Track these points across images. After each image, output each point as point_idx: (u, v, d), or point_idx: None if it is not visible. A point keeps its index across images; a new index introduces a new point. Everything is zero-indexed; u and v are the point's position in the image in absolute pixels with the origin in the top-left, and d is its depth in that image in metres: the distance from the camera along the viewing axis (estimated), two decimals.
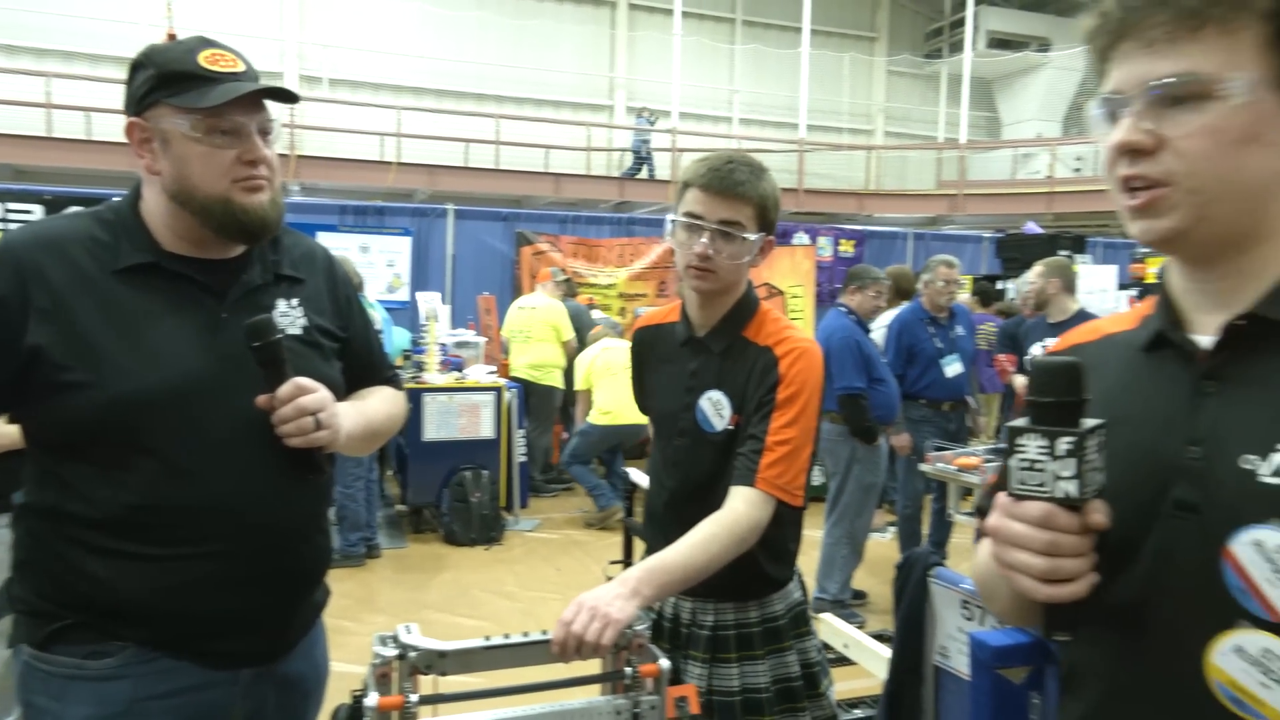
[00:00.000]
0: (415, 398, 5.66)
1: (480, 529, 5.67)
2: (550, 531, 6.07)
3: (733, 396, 1.63)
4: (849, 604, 4.49)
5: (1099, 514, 0.76)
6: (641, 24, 17.34)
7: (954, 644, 2.00)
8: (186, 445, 1.27)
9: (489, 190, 12.97)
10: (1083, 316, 4.62)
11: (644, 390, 1.89)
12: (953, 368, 4.84)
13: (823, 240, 10.60)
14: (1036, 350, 4.62)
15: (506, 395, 6.00)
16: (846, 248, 10.99)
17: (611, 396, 5.96)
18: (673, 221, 1.65)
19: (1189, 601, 0.77)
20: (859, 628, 4.08)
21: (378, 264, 8.57)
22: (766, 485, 1.54)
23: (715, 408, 1.65)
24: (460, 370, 6.16)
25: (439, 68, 15.90)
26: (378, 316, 5.14)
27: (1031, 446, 0.75)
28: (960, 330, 4.96)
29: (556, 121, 15.47)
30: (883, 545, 5.56)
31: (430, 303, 7.19)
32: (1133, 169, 0.76)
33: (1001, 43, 18.25)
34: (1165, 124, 0.74)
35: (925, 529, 4.99)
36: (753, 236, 1.59)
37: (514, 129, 14.56)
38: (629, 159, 15.45)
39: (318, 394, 1.28)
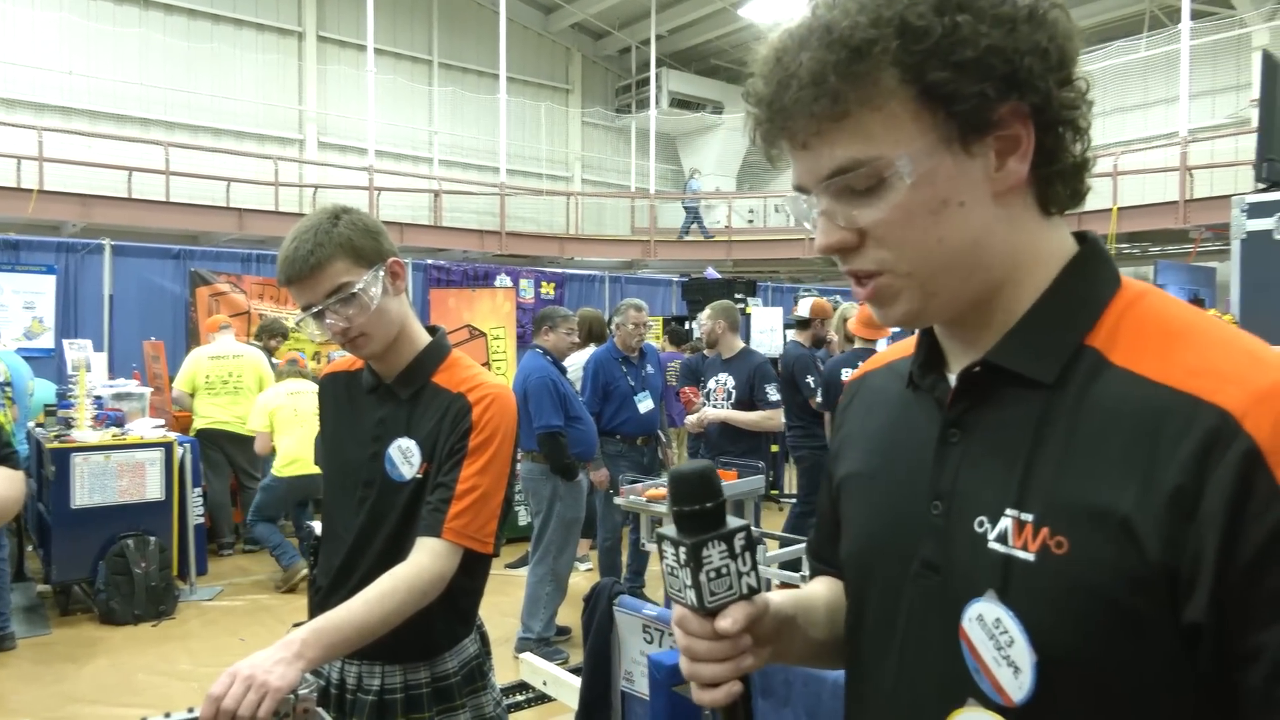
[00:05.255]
0: (61, 459, 4.94)
1: (147, 603, 5.02)
2: (234, 598, 5.53)
3: (423, 444, 1.59)
4: (553, 641, 4.55)
5: (726, 620, 0.74)
6: (332, 57, 16.70)
7: (637, 668, 2.10)
8: None
9: (158, 225, 11.71)
10: (747, 352, 5.17)
11: (327, 439, 1.79)
12: (645, 404, 5.13)
13: (524, 282, 10.80)
14: (713, 383, 5.04)
15: (179, 451, 5.40)
16: (548, 290, 11.29)
17: (296, 445, 5.62)
18: (299, 322, 1.62)
19: (933, 672, 0.73)
20: (563, 663, 4.15)
21: (12, 306, 7.42)
22: (453, 535, 1.51)
23: (405, 456, 1.60)
24: (120, 425, 5.45)
25: (94, 87, 14.15)
26: (3, 368, 4.41)
27: (669, 554, 0.77)
28: (650, 369, 5.28)
29: (239, 153, 14.37)
30: (589, 578, 5.71)
31: (80, 350, 6.31)
32: (848, 266, 0.72)
33: (682, 103, 19.89)
34: (857, 214, 0.69)
35: (625, 559, 5.20)
36: (363, 283, 1.53)
37: (188, 158, 13.31)
38: (323, 195, 14.75)
39: None
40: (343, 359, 1.84)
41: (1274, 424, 0.58)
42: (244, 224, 12.49)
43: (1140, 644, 0.61)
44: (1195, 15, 12.79)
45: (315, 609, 1.65)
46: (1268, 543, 0.57)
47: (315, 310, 1.54)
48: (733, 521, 0.76)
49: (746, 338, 8.39)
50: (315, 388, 5.80)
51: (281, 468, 5.65)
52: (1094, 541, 0.63)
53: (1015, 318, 0.72)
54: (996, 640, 0.67)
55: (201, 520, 5.78)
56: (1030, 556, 0.66)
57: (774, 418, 4.96)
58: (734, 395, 4.94)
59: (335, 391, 1.78)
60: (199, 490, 5.74)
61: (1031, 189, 0.71)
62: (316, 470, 5.45)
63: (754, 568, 0.76)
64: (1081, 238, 0.75)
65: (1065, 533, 0.64)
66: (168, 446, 5.29)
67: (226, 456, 6.39)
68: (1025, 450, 0.68)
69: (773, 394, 4.91)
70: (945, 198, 0.68)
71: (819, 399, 5.31)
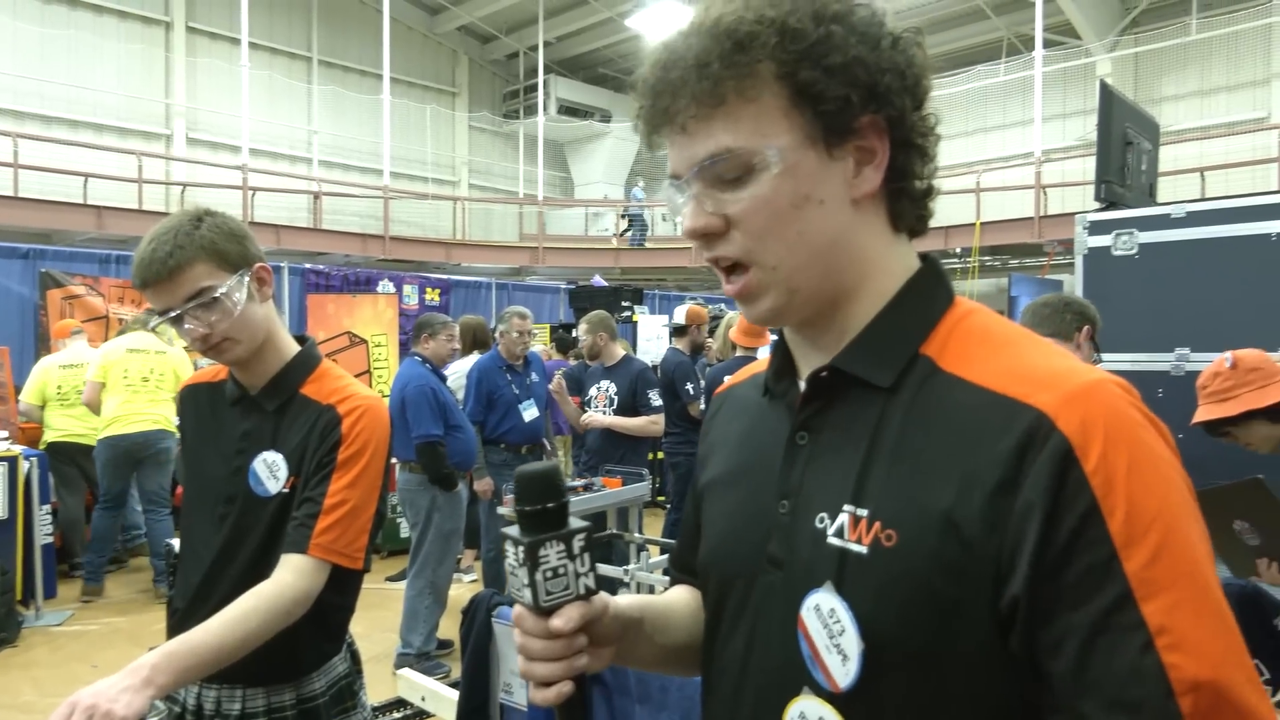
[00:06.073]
0: None
1: None
2: (86, 622, 5.17)
3: (290, 457, 1.54)
4: (434, 655, 4.46)
5: (560, 619, 0.75)
6: (202, 50, 15.92)
7: (516, 680, 2.09)
8: None
9: (5, 221, 10.89)
10: (629, 359, 5.21)
11: (187, 453, 1.71)
12: (530, 412, 5.10)
13: (408, 289, 10.54)
14: (595, 390, 5.06)
15: (24, 466, 5.02)
16: (433, 296, 11.06)
17: (118, 406, 5.35)
18: (154, 327, 1.54)
19: (773, 663, 0.76)
20: (444, 677, 4.07)
21: None
22: (321, 550, 1.46)
23: (270, 470, 1.54)
24: None
25: None
26: None
27: (509, 552, 0.77)
28: (535, 376, 5.25)
29: (98, 147, 13.49)
30: (473, 590, 5.61)
31: None
32: (711, 252, 0.76)
33: (570, 110, 19.92)
34: (726, 203, 0.73)
35: None
36: (226, 288, 1.48)
37: (41, 151, 12.43)
38: (192, 194, 14.03)
39: None
40: (206, 369, 1.77)
41: (1081, 422, 0.64)
42: (103, 223, 11.76)
43: (958, 630, 0.65)
44: (1047, 44, 13.73)
45: (173, 631, 1.57)
46: (1078, 527, 0.62)
47: (174, 315, 1.47)
48: (574, 523, 0.76)
49: (634, 345, 8.46)
50: (160, 348, 5.55)
51: (102, 428, 5.35)
52: (920, 534, 0.67)
53: (860, 327, 0.77)
54: (830, 629, 0.70)
55: (51, 540, 5.39)
56: (863, 549, 0.70)
57: (658, 423, 5.02)
58: (616, 401, 4.97)
59: (196, 403, 1.70)
60: (48, 508, 5.35)
61: (883, 204, 0.77)
62: (138, 428, 5.30)
63: (593, 569, 0.77)
64: (923, 257, 0.81)
65: (895, 526, 0.68)
66: (11, 461, 4.91)
67: (81, 471, 5.95)
68: (863, 450, 0.73)
69: (655, 400, 4.96)
70: (807, 193, 0.73)
71: (702, 406, 5.40)
